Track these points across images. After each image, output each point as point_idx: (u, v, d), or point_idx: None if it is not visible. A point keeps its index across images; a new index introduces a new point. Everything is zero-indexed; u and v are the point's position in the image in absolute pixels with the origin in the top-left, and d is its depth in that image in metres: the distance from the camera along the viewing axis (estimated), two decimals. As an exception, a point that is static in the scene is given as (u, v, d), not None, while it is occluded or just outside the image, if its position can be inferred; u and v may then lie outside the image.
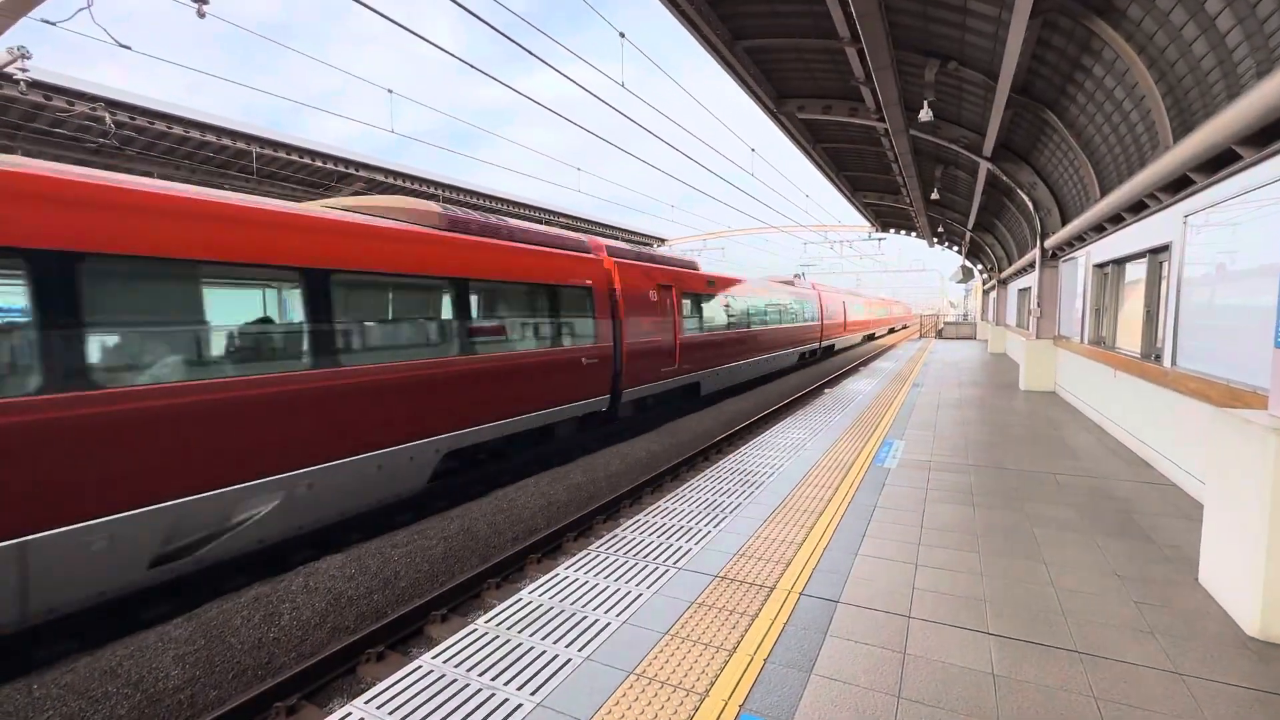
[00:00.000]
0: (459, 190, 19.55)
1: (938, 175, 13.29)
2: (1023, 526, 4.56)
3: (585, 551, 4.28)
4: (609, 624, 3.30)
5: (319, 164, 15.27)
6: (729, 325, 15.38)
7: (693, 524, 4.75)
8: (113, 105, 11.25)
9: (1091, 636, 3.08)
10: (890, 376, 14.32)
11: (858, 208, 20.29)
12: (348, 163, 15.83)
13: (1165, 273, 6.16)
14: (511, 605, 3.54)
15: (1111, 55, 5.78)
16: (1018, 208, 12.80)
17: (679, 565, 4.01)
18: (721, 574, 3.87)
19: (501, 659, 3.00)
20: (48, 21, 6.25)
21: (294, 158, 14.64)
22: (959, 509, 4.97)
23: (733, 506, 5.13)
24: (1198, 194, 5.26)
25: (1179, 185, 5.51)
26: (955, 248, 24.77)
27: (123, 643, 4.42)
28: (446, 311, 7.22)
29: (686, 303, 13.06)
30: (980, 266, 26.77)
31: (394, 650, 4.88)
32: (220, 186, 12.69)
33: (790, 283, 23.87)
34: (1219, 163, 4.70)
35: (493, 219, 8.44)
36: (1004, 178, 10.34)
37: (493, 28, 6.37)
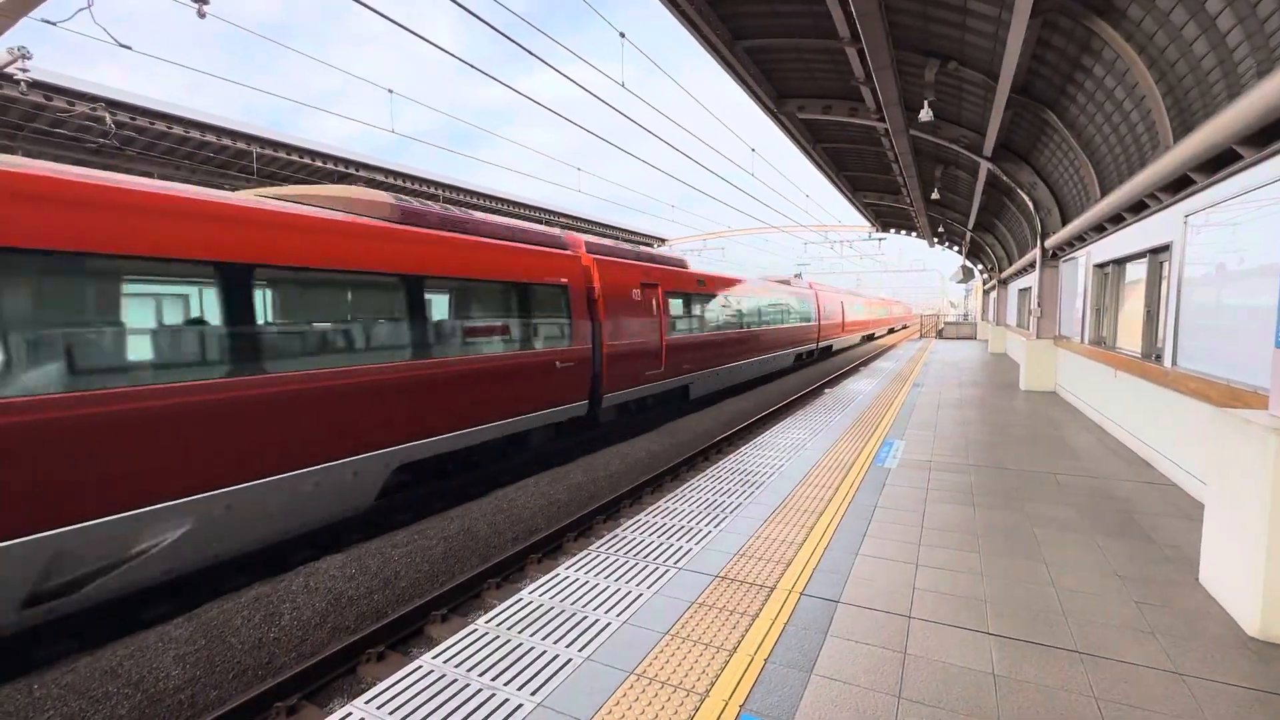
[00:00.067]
0: (459, 190, 19.57)
1: (938, 175, 13.29)
2: (1023, 526, 4.56)
3: (585, 551, 4.28)
4: (609, 624, 3.30)
5: (319, 164, 15.28)
6: (720, 326, 14.97)
7: (693, 524, 4.75)
8: (113, 105, 11.26)
9: (1092, 636, 3.08)
10: (890, 376, 14.32)
11: (858, 208, 20.29)
12: (348, 163, 15.85)
13: (1166, 273, 6.16)
14: (512, 605, 3.54)
15: (1112, 55, 5.78)
16: (1018, 208, 12.79)
17: (679, 565, 4.01)
18: (722, 574, 3.87)
19: (502, 659, 3.00)
20: (48, 21, 6.25)
21: (294, 158, 14.66)
22: (959, 509, 4.97)
23: (733, 506, 5.13)
24: (1198, 194, 5.25)
25: (1179, 185, 5.51)
26: (955, 248, 24.77)
27: (123, 643, 4.42)
28: (398, 312, 6.59)
29: (674, 302, 12.65)
30: (980, 266, 26.77)
31: (394, 650, 4.88)
32: (220, 187, 12.71)
33: (786, 282, 23.39)
34: (1219, 162, 4.70)
35: (455, 212, 7.87)
36: (1004, 178, 10.34)
37: (493, 28, 6.37)
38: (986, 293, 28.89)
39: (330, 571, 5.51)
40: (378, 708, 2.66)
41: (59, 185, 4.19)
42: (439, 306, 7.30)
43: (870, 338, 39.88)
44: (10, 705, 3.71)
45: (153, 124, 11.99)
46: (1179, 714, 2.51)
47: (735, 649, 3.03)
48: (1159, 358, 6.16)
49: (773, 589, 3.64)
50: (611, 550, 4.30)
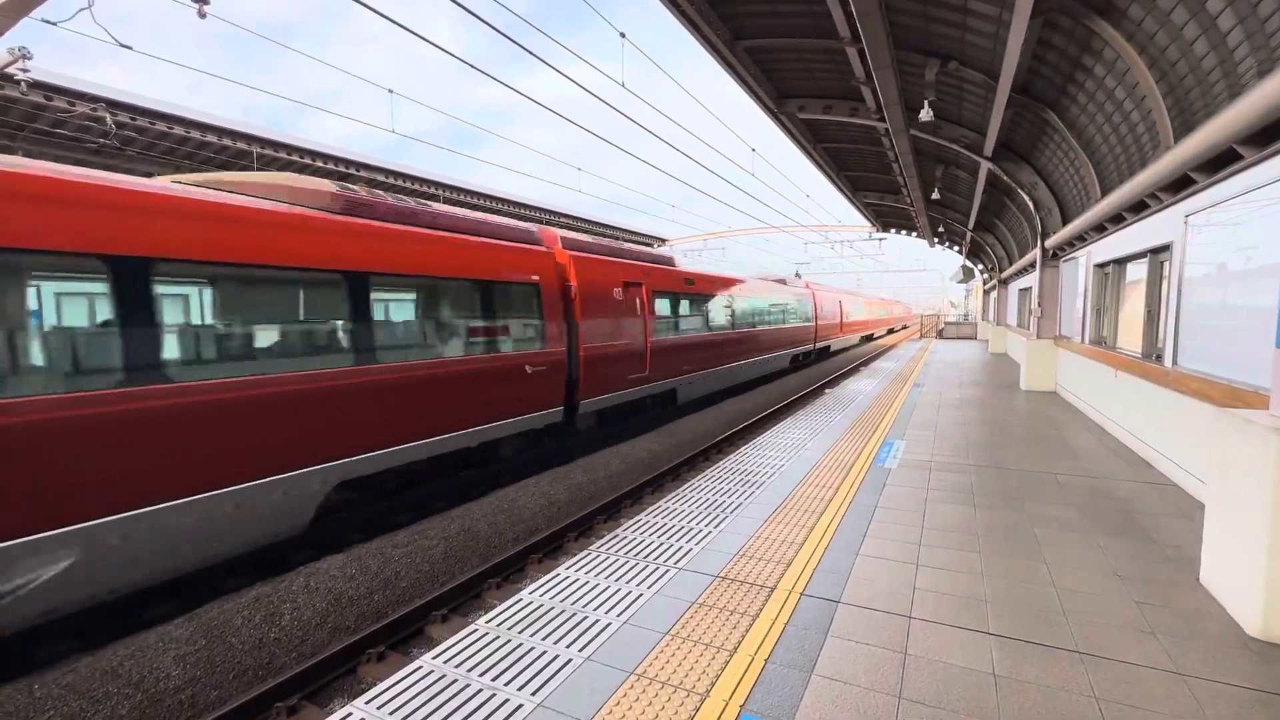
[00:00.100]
0: (460, 190, 19.59)
1: (938, 175, 13.29)
2: (1024, 527, 4.56)
3: (586, 551, 4.28)
4: (609, 624, 3.30)
5: (320, 164, 15.30)
6: (710, 327, 14.39)
7: (693, 524, 4.75)
8: (113, 106, 11.27)
9: (1093, 637, 3.07)
10: (891, 376, 14.32)
11: (858, 208, 20.29)
12: (348, 163, 15.87)
13: (1166, 272, 6.15)
14: (512, 605, 3.54)
15: (1112, 55, 5.78)
16: (1018, 208, 12.79)
17: (680, 565, 4.01)
18: (722, 574, 3.87)
19: (502, 659, 3.00)
20: (48, 22, 6.26)
21: (294, 158, 14.67)
22: (960, 509, 4.97)
23: (733, 506, 5.13)
24: (1199, 194, 5.25)
25: (1180, 185, 5.51)
26: (956, 248, 24.76)
27: (124, 643, 4.43)
28: (337, 312, 5.99)
29: (660, 302, 12.16)
30: (981, 266, 26.77)
31: (394, 650, 4.89)
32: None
33: (782, 281, 22.66)
34: (1220, 162, 4.69)
35: (410, 203, 7.21)
36: (1005, 178, 10.34)
37: (493, 28, 6.37)
38: (987, 293, 28.88)
39: (331, 572, 5.51)
40: (378, 708, 2.66)
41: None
42: (388, 306, 6.76)
43: (869, 338, 39.77)
44: (11, 705, 3.71)
45: (153, 124, 12.00)
46: (1180, 714, 2.50)
47: (736, 649, 3.02)
48: (1159, 358, 6.16)
49: (773, 589, 3.64)
50: (612, 550, 4.30)
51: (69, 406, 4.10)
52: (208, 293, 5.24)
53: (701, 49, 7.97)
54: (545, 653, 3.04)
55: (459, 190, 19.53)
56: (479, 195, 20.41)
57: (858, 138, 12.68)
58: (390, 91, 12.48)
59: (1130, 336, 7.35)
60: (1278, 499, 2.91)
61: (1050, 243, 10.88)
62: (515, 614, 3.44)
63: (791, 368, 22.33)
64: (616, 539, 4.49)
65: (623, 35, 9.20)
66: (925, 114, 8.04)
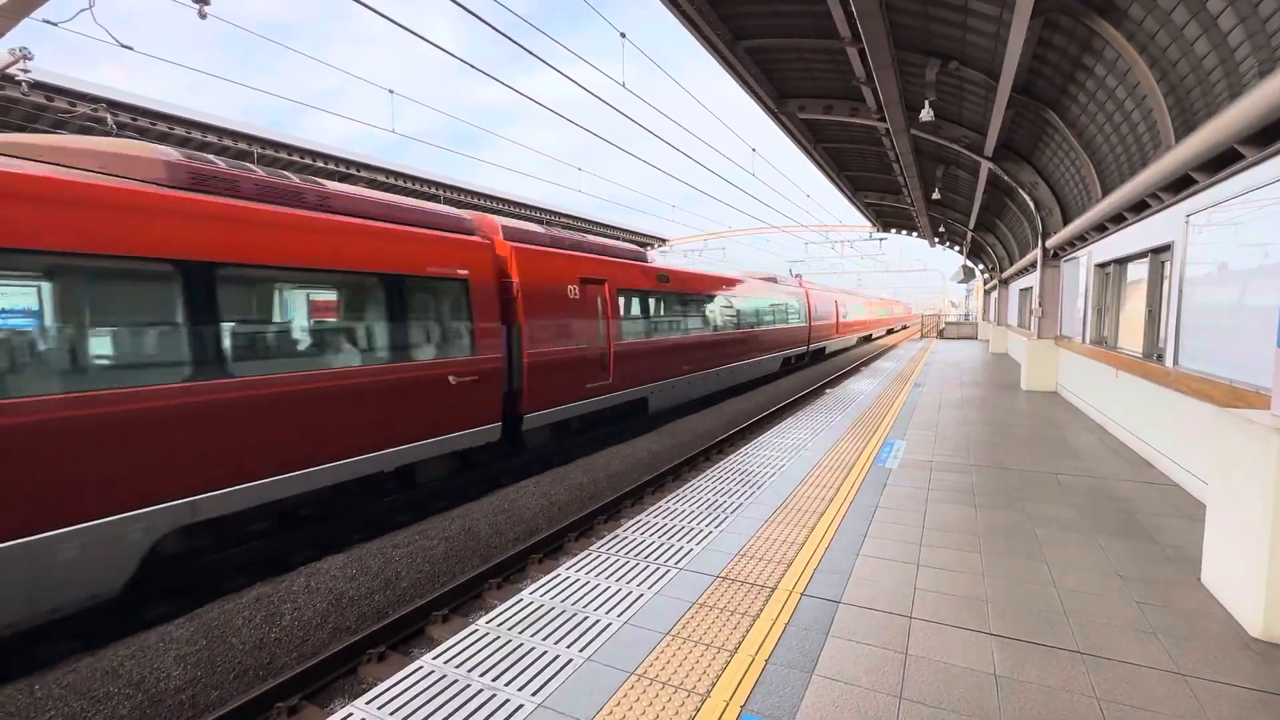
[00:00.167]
0: (460, 190, 19.59)
1: (939, 175, 13.28)
2: (1024, 527, 4.56)
3: (586, 552, 4.29)
4: (610, 624, 3.30)
5: (320, 164, 15.30)
6: (689, 329, 13.25)
7: (694, 524, 4.75)
8: (114, 106, 11.28)
9: (1094, 637, 3.07)
10: (891, 376, 14.31)
11: (859, 208, 20.28)
12: (349, 163, 15.88)
13: (1167, 272, 6.15)
14: (513, 605, 3.54)
15: (1113, 55, 5.77)
16: (1019, 207, 12.78)
17: (680, 565, 4.01)
18: (723, 574, 3.87)
19: (503, 659, 3.00)
20: (49, 22, 6.26)
21: (295, 158, 14.68)
22: (961, 509, 4.97)
23: (734, 506, 5.13)
24: (1200, 193, 5.25)
25: (1181, 185, 5.51)
26: (956, 248, 24.75)
27: (124, 643, 4.43)
28: (167, 313, 4.75)
29: (627, 301, 11.02)
30: (981, 266, 26.76)
31: (395, 650, 4.89)
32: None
33: (773, 279, 20.97)
34: (1221, 162, 4.69)
35: (293, 180, 6.01)
36: (1005, 177, 10.33)
37: (493, 28, 6.37)
38: (987, 293, 28.87)
39: (331, 572, 5.52)
40: (379, 708, 2.66)
41: None
42: (250, 305, 5.52)
43: (868, 339, 39.60)
44: (12, 705, 3.71)
45: (154, 124, 12.01)
46: (1181, 715, 2.50)
47: (736, 649, 3.02)
48: (1160, 357, 6.16)
49: (774, 589, 3.64)
50: (612, 550, 4.30)
51: None
52: None
53: (702, 49, 7.98)
54: (546, 653, 3.04)
55: (459, 190, 19.53)
56: (479, 195, 20.41)
57: (858, 138, 12.68)
58: (390, 92, 12.48)
59: (1131, 336, 7.34)
60: (1279, 499, 2.90)
61: (1051, 242, 10.87)
62: (516, 614, 3.44)
63: (781, 372, 21.18)
64: (617, 539, 4.49)
65: (623, 35, 9.21)
66: (926, 114, 8.04)
